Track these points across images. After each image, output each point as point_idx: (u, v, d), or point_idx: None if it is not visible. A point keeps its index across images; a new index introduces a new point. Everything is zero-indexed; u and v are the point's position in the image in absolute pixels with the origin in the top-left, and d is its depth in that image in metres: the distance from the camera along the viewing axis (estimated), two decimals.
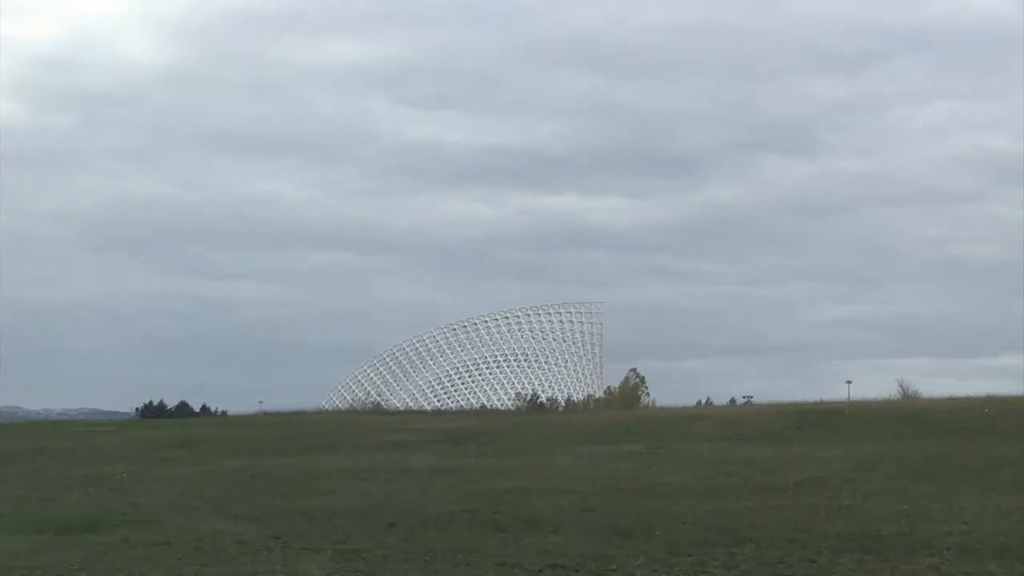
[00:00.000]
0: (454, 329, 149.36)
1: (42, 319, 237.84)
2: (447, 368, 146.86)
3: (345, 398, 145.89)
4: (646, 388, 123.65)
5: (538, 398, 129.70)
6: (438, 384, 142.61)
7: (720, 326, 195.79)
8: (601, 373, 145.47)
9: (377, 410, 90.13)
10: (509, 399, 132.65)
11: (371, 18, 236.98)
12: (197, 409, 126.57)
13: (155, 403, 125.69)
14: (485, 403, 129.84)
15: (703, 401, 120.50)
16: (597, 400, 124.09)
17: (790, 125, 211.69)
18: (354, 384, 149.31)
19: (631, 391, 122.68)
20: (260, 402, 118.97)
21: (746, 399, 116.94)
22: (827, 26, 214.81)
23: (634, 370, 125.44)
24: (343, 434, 45.49)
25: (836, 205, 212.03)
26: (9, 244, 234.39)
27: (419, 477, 28.71)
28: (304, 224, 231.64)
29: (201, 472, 32.18)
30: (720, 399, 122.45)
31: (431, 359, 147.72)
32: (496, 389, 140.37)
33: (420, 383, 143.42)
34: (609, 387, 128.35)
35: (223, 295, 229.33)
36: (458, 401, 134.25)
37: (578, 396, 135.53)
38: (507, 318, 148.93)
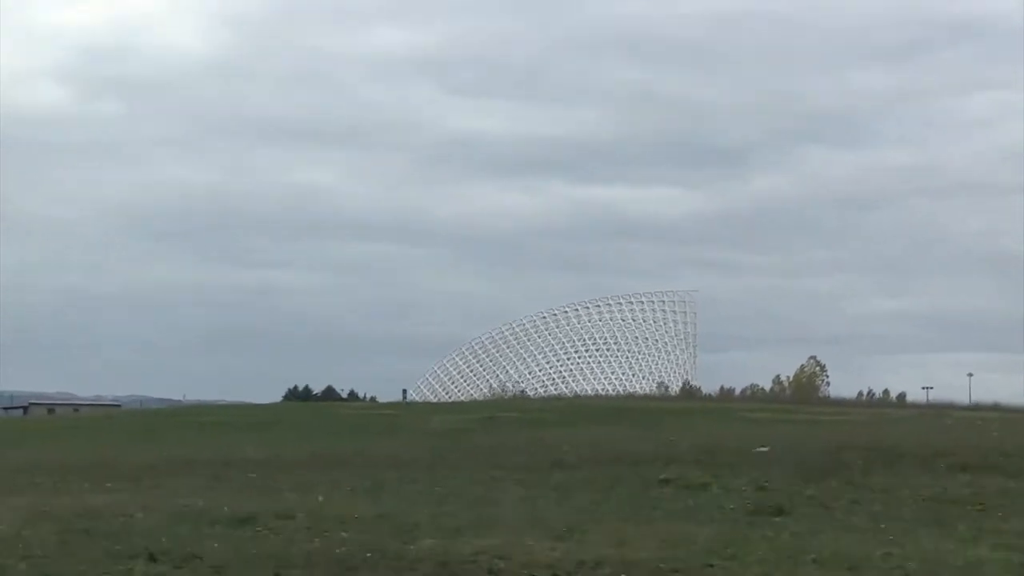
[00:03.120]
0: (545, 317, 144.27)
1: (88, 308, 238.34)
2: (538, 358, 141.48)
3: (435, 389, 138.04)
4: (826, 376, 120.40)
5: (688, 385, 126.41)
6: (553, 371, 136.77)
7: (764, 318, 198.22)
8: (695, 362, 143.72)
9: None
10: (650, 385, 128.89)
11: (415, 6, 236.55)
12: (345, 395, 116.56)
13: (300, 388, 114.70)
14: (625, 389, 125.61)
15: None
16: (767, 391, 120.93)
17: (836, 116, 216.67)
18: (443, 374, 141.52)
19: (810, 379, 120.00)
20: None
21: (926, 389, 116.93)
22: (874, 16, 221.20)
23: (814, 357, 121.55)
24: None
25: (882, 196, 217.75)
26: (55, 233, 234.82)
27: None
28: (346, 213, 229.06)
29: None
30: None
31: (523, 350, 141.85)
32: (606, 376, 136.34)
33: (522, 372, 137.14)
34: (777, 376, 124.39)
35: (265, 284, 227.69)
36: (584, 388, 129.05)
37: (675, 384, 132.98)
38: (599, 306, 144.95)
